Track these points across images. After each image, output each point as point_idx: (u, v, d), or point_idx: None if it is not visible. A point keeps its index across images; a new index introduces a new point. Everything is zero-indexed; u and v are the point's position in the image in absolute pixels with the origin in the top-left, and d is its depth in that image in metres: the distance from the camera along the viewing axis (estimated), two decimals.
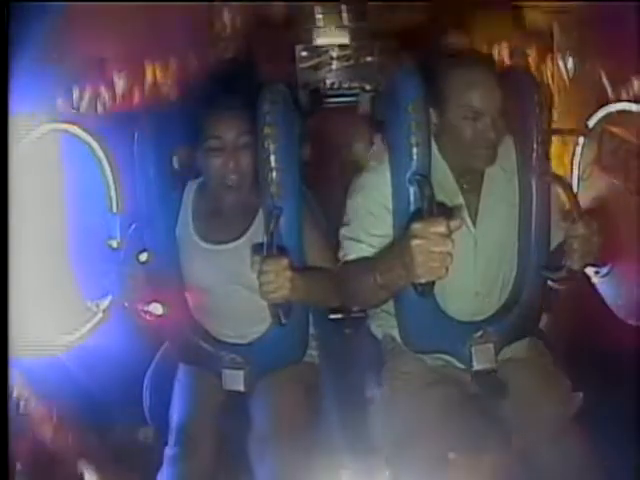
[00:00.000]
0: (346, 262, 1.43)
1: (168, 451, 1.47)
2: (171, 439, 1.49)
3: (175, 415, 1.53)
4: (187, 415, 1.52)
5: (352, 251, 1.43)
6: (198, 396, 1.55)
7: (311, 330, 1.61)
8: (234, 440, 1.49)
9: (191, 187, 1.61)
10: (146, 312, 1.61)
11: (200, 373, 1.58)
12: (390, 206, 1.42)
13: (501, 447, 1.38)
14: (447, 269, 1.13)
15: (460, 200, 1.45)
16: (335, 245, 1.49)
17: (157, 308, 1.59)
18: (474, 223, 1.46)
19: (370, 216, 1.43)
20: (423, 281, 1.16)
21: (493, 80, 1.39)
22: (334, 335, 1.79)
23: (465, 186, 1.46)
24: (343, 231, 1.47)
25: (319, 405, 1.55)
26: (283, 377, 1.53)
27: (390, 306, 1.48)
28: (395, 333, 1.51)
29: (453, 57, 1.45)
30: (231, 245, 1.54)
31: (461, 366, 1.48)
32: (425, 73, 1.41)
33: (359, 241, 1.42)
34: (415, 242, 1.11)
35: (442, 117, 1.40)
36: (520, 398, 1.43)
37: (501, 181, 1.49)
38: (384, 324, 1.56)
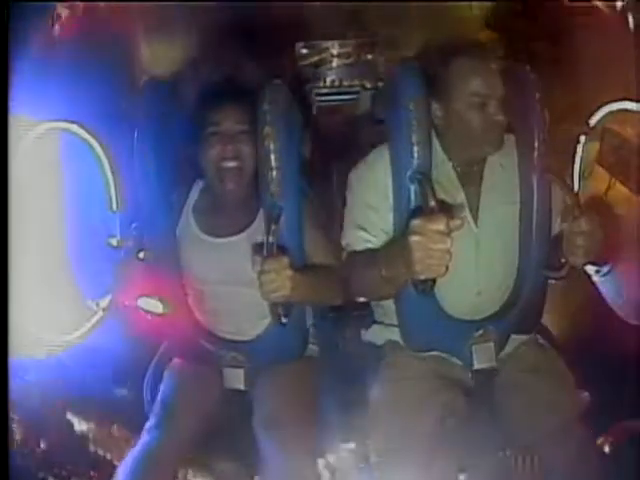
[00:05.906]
0: (351, 253, 1.43)
1: (146, 425, 1.47)
2: (151, 413, 1.49)
3: (160, 394, 1.53)
4: (172, 393, 1.52)
5: (356, 240, 1.43)
6: (188, 381, 1.55)
7: (311, 329, 1.61)
8: (226, 426, 1.49)
9: (197, 186, 1.61)
10: (146, 311, 1.61)
11: (196, 366, 1.57)
12: (390, 202, 1.42)
13: (499, 448, 1.38)
14: (447, 267, 1.13)
15: (462, 199, 1.45)
16: (336, 243, 1.49)
17: (157, 306, 1.59)
18: (475, 222, 1.46)
19: (370, 209, 1.43)
20: (422, 278, 1.16)
21: (494, 65, 1.40)
22: (334, 332, 1.79)
23: (466, 185, 1.46)
24: (345, 221, 1.47)
25: (317, 400, 1.55)
26: (284, 371, 1.53)
27: (390, 302, 1.48)
28: (394, 334, 1.51)
29: (452, 47, 1.44)
30: (231, 239, 1.53)
31: (459, 363, 1.48)
32: (425, 66, 1.41)
33: (363, 229, 1.42)
34: (414, 238, 1.12)
35: (448, 109, 1.40)
36: (524, 398, 1.42)
37: (502, 179, 1.49)
38: (384, 326, 1.56)
